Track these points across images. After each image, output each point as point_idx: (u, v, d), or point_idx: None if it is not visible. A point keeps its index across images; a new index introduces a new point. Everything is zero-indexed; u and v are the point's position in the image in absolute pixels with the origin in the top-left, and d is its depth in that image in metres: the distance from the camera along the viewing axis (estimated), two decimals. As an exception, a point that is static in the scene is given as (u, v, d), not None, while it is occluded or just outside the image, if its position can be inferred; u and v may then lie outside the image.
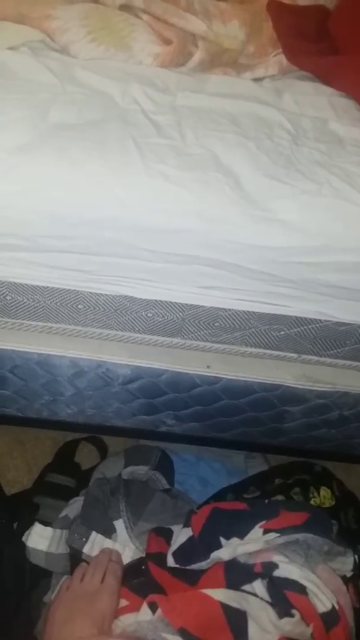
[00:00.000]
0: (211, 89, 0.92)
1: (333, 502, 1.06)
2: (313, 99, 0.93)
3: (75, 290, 0.85)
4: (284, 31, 1.02)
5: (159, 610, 0.76)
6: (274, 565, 0.84)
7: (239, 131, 0.82)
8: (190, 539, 0.93)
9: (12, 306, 0.88)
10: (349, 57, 0.98)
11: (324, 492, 1.07)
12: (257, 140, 0.81)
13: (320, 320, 0.88)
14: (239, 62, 1.02)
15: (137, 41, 0.94)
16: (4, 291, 0.86)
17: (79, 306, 0.88)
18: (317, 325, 0.89)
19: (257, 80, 0.99)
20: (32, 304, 0.87)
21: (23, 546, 1.00)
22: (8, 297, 0.86)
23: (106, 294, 0.86)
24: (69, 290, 0.85)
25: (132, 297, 0.86)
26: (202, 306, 0.87)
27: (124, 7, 0.97)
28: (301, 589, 0.80)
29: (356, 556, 0.90)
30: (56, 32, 0.91)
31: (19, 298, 0.87)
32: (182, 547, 0.92)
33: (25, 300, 0.87)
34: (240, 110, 0.87)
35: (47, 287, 0.85)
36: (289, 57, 1.01)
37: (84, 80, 0.86)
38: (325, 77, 0.99)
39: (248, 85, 0.95)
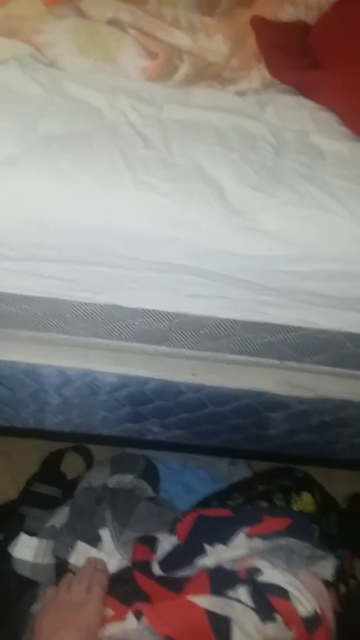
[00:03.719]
0: (196, 102, 0.93)
1: (314, 507, 1.08)
2: (295, 112, 0.95)
3: (62, 299, 0.85)
4: (266, 46, 1.04)
5: (144, 619, 0.77)
6: (258, 571, 0.85)
7: (223, 143, 0.83)
8: (175, 547, 0.93)
9: (-1, 315, 0.88)
10: (330, 72, 1.00)
11: (306, 497, 1.09)
12: (241, 152, 0.82)
13: (302, 327, 0.89)
14: (223, 75, 1.04)
15: (124, 55, 0.95)
16: (-9, 300, 0.86)
17: (67, 315, 0.88)
18: (299, 332, 0.91)
19: (240, 93, 1.01)
20: (20, 313, 0.88)
21: (9, 557, 1.00)
22: (-5, 306, 0.87)
23: (94, 303, 0.86)
24: (56, 299, 0.85)
25: (119, 305, 0.86)
26: (188, 314, 0.88)
27: (112, 22, 0.99)
28: (284, 593, 0.81)
29: (337, 561, 0.91)
30: (45, 46, 0.93)
31: (6, 307, 0.87)
32: (167, 555, 0.93)
33: (12, 310, 0.87)
34: (224, 122, 0.88)
35: (35, 296, 0.85)
36: (271, 71, 1.03)
37: (72, 93, 0.87)
38: (306, 90, 1.01)
39: (232, 99, 0.97)
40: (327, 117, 0.95)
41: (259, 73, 1.04)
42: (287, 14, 1.09)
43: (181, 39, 0.99)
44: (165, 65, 0.96)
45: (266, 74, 1.03)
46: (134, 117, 0.85)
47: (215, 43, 1.02)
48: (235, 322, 0.90)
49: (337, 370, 0.98)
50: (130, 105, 0.86)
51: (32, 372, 0.95)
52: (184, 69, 0.98)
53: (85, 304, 0.87)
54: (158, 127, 0.84)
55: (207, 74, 1.02)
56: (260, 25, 1.05)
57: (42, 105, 0.83)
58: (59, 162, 0.75)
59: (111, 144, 0.79)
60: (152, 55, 0.97)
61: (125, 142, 0.80)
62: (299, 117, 0.94)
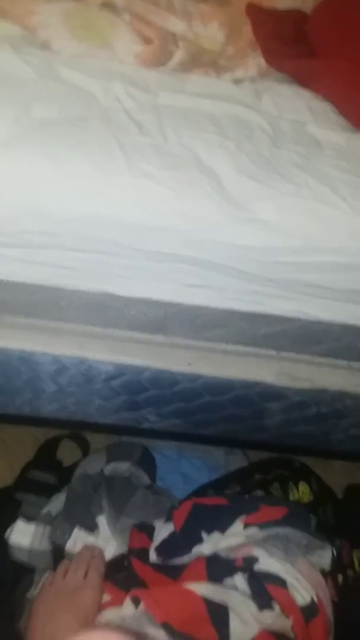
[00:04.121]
0: (192, 89, 0.93)
1: (311, 498, 1.08)
2: (291, 102, 0.94)
3: (57, 287, 0.85)
4: (262, 34, 1.03)
5: (141, 605, 0.77)
6: (255, 559, 0.85)
7: (219, 132, 0.83)
8: (172, 534, 0.94)
9: (-7, 303, 0.88)
10: (326, 61, 1.00)
11: (303, 487, 1.09)
12: (238, 141, 0.82)
13: (299, 318, 0.89)
14: (219, 63, 1.03)
15: (119, 40, 0.94)
16: (-15, 288, 0.85)
17: (62, 303, 0.88)
18: (296, 323, 0.91)
19: (236, 81, 1.00)
20: (14, 300, 0.87)
21: (5, 543, 1.00)
22: (-11, 294, 0.86)
23: (89, 291, 0.86)
24: (51, 287, 0.85)
25: (114, 294, 0.86)
26: (184, 304, 0.88)
27: (106, 6, 0.98)
28: (281, 582, 0.81)
29: (334, 550, 0.92)
30: (38, 28, 0.92)
31: (0, 294, 0.86)
32: (164, 542, 0.93)
33: (6, 297, 0.87)
34: (220, 111, 0.88)
35: (29, 283, 0.84)
36: (267, 60, 1.03)
37: (65, 77, 0.86)
38: (303, 80, 1.01)
39: (228, 87, 0.96)
40: (324, 107, 0.95)
41: (255, 61, 1.03)
42: (283, 2, 1.08)
43: (176, 25, 0.99)
44: (160, 50, 0.96)
45: (262, 62, 1.03)
46: (129, 103, 0.84)
47: (210, 30, 1.02)
48: (232, 313, 0.90)
49: (335, 361, 0.98)
50: (124, 91, 0.86)
51: (26, 360, 0.95)
52: (179, 55, 0.98)
53: (80, 292, 0.86)
54: (153, 113, 0.83)
55: (202, 61, 1.02)
56: (256, 13, 1.05)
57: (35, 89, 0.82)
58: (53, 148, 0.74)
59: (106, 130, 0.78)
60: (146, 41, 0.96)
61: (120, 128, 0.79)
62: (296, 106, 0.94)
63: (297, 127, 0.88)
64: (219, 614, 0.76)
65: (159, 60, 0.96)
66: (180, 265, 0.81)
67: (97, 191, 0.74)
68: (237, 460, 1.30)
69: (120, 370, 0.97)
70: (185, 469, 1.27)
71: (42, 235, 0.77)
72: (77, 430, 1.39)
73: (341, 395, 1.02)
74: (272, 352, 0.97)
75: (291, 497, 1.06)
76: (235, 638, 0.74)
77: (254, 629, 0.75)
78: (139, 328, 0.93)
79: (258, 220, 0.76)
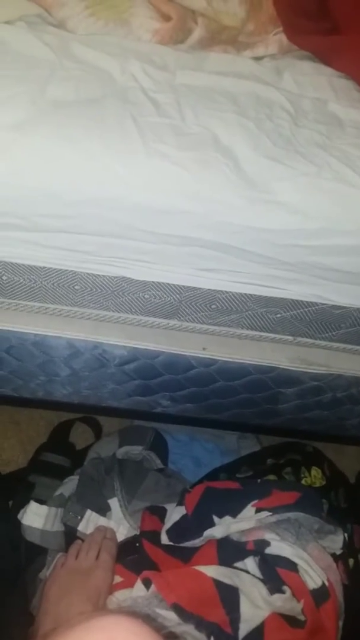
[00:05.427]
0: (211, 67, 0.91)
1: (324, 482, 1.08)
2: (313, 79, 0.92)
3: (72, 270, 0.84)
4: (284, 9, 1.01)
5: (152, 586, 0.77)
6: (266, 543, 0.85)
7: (238, 111, 0.81)
8: (183, 517, 0.94)
9: (8, 286, 0.87)
10: (349, 37, 0.97)
11: (315, 472, 1.09)
12: (257, 120, 0.80)
13: (316, 303, 0.88)
14: (239, 40, 1.01)
15: (136, 17, 0.92)
16: (0, 271, 0.85)
17: (76, 287, 0.88)
18: (313, 308, 0.89)
19: (257, 59, 0.98)
20: (29, 284, 0.87)
21: (18, 524, 1.01)
22: (4, 277, 0.86)
23: (103, 275, 0.85)
24: (65, 270, 0.84)
25: (129, 278, 0.85)
26: (200, 288, 0.87)
27: (123, -18, 0.95)
28: (292, 566, 0.82)
29: (345, 534, 0.92)
30: (54, 5, 0.90)
31: (15, 278, 0.86)
32: (175, 525, 0.93)
33: (21, 281, 0.86)
34: (240, 89, 0.86)
35: (44, 267, 0.84)
36: (289, 36, 1.00)
37: (81, 56, 0.85)
38: (325, 57, 0.98)
39: (248, 64, 0.94)
40: (346, 85, 0.93)
41: (276, 38, 1.01)
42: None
43: (195, 1, 0.96)
44: (179, 27, 0.94)
45: (283, 39, 1.01)
46: (146, 82, 0.83)
47: (230, 6, 0.99)
48: (247, 297, 0.88)
49: (351, 346, 0.97)
50: (142, 69, 0.84)
51: (40, 344, 0.95)
52: (198, 32, 0.95)
53: (94, 275, 0.86)
54: (171, 93, 0.82)
55: (222, 38, 0.99)
56: (278, -13, 1.01)
57: (51, 69, 0.80)
58: (69, 129, 0.73)
59: (122, 110, 0.77)
60: (164, 18, 0.94)
61: (136, 108, 0.78)
62: (317, 84, 0.92)
63: (319, 105, 0.86)
64: (229, 596, 0.76)
65: (177, 37, 0.94)
66: (196, 248, 0.80)
67: (111, 173, 0.72)
68: (249, 445, 1.30)
69: (134, 355, 0.97)
70: (197, 452, 1.27)
71: (56, 218, 0.76)
72: (90, 414, 1.39)
73: (357, 381, 1.01)
74: (288, 337, 0.97)
75: (303, 482, 1.06)
76: (245, 620, 0.74)
77: (265, 612, 0.75)
78: (153, 313, 0.92)
79: (277, 202, 0.74)
